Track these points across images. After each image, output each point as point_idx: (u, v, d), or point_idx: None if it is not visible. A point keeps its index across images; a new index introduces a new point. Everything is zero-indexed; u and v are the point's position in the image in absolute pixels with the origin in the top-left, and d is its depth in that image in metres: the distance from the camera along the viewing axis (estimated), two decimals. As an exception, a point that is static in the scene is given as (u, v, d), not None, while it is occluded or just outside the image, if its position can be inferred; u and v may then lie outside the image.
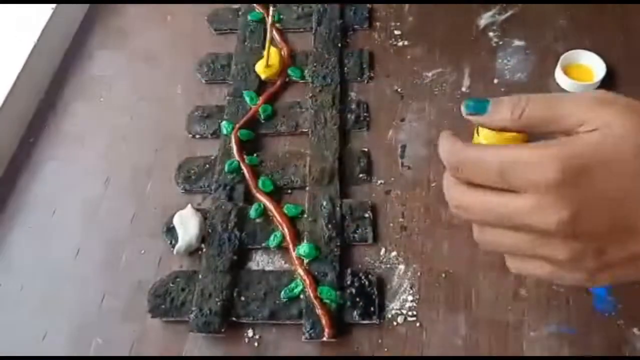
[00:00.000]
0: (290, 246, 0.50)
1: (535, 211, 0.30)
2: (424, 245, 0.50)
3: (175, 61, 0.66)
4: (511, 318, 0.46)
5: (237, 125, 0.58)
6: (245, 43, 0.66)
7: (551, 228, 0.30)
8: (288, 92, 0.62)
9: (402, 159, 0.56)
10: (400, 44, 0.64)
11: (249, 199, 0.54)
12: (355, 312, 0.47)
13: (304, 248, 0.49)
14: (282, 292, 0.48)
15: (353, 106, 0.59)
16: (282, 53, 0.64)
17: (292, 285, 0.48)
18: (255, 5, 0.69)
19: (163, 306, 0.48)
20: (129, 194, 0.56)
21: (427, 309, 0.47)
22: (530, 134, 0.38)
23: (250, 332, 0.47)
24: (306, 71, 0.63)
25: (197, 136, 0.59)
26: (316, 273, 0.49)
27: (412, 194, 0.53)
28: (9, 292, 0.52)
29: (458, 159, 0.34)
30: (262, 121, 0.59)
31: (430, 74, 0.61)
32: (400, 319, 0.46)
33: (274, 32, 0.66)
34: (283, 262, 0.51)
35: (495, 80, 0.60)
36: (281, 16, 0.68)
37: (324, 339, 0.45)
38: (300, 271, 0.49)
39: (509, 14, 0.65)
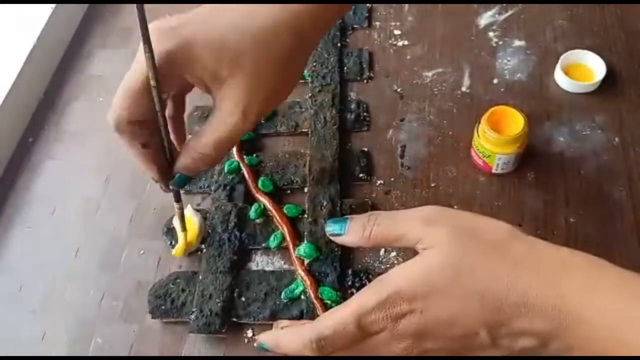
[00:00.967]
0: (291, 246, 0.50)
1: (390, 343, 0.35)
2: None
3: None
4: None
5: (237, 126, 0.58)
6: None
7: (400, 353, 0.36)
8: (288, 92, 0.62)
9: (402, 159, 0.56)
10: (400, 43, 0.64)
11: (249, 199, 0.54)
12: None
13: (304, 248, 0.49)
14: (283, 293, 0.48)
15: (353, 106, 0.59)
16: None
17: (293, 286, 0.48)
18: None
19: (163, 307, 0.48)
20: (128, 194, 0.56)
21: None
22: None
23: (249, 333, 0.47)
24: (305, 71, 0.63)
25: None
26: (317, 273, 0.49)
27: (412, 194, 0.53)
28: (8, 292, 0.52)
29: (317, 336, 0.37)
30: (262, 121, 0.59)
31: (430, 74, 0.61)
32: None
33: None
34: (283, 262, 0.51)
35: (495, 80, 0.60)
36: None
37: None
38: (301, 272, 0.48)
39: (509, 13, 0.65)
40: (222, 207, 0.53)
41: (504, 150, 0.50)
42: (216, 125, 0.40)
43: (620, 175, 0.52)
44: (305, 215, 0.52)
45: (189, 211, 0.52)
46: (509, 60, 0.61)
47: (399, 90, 0.60)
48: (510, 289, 0.33)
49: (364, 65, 0.62)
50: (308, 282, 0.48)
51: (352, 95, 0.61)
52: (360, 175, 0.55)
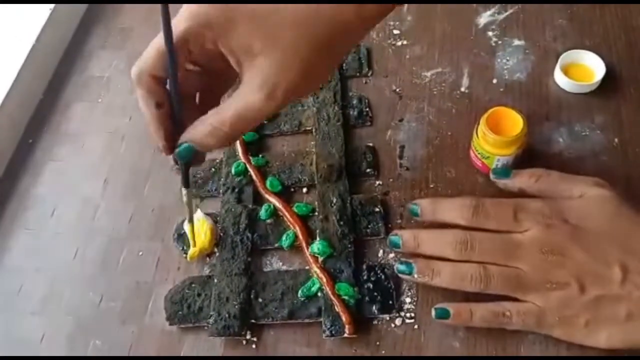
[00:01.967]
0: (304, 245, 0.50)
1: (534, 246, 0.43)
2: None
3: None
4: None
5: (241, 127, 0.58)
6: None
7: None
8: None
9: (401, 159, 0.56)
10: (399, 43, 0.64)
11: (258, 200, 0.54)
12: (374, 307, 0.47)
13: (317, 246, 0.50)
14: (300, 291, 0.48)
15: (355, 102, 0.59)
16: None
17: (309, 284, 0.48)
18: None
19: (180, 312, 0.48)
20: (127, 195, 0.56)
21: (426, 311, 0.46)
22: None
23: (248, 335, 0.47)
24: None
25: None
26: (332, 270, 0.49)
27: (411, 195, 0.53)
28: (8, 292, 0.52)
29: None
30: (265, 122, 0.59)
31: (429, 74, 0.61)
32: (398, 321, 0.46)
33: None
34: (297, 261, 0.51)
35: (495, 80, 0.59)
36: None
37: (345, 335, 0.45)
38: (316, 269, 0.49)
39: (508, 13, 0.65)
40: (232, 210, 0.53)
41: (503, 151, 0.50)
42: (238, 100, 0.38)
43: (620, 176, 0.52)
44: (316, 213, 0.52)
45: (200, 215, 0.52)
46: (508, 60, 0.61)
47: (397, 90, 0.60)
48: None
49: (363, 61, 0.62)
50: (324, 279, 0.48)
51: (353, 90, 0.61)
52: (367, 170, 0.55)
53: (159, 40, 0.38)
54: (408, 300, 0.47)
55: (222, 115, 0.39)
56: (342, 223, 0.51)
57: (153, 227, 0.54)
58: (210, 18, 0.37)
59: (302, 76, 0.38)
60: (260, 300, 0.48)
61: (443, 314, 0.44)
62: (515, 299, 0.43)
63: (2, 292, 0.52)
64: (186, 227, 0.50)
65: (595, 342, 0.42)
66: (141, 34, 0.69)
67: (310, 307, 0.47)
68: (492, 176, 0.51)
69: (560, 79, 0.58)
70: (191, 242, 0.50)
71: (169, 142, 0.41)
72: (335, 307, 0.47)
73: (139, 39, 0.69)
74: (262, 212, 0.53)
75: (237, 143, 0.57)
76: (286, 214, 0.52)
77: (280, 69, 0.37)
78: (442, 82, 0.60)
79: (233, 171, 0.55)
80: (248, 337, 0.47)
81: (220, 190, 0.55)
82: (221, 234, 0.52)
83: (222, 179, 0.56)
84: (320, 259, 0.49)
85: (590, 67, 0.58)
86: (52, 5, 0.68)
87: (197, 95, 0.43)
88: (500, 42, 0.62)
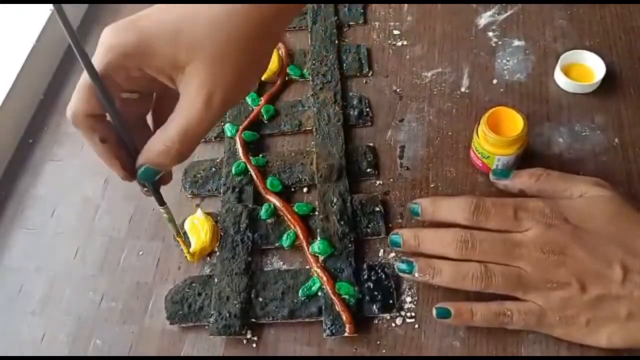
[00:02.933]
0: (304, 244, 0.50)
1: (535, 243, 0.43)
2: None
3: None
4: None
5: (241, 127, 0.58)
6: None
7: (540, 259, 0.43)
8: (289, 91, 0.62)
9: (401, 159, 0.56)
10: (399, 43, 0.64)
11: (259, 200, 0.54)
12: (374, 306, 0.47)
13: (318, 245, 0.50)
14: (300, 291, 0.48)
15: (355, 102, 0.60)
16: (280, 52, 0.63)
17: (310, 283, 0.48)
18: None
19: (181, 312, 0.48)
20: (127, 195, 0.56)
21: (426, 311, 0.47)
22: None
23: (248, 334, 0.47)
24: (305, 69, 0.63)
25: (201, 140, 0.59)
26: (332, 270, 0.49)
27: (411, 195, 0.53)
28: (8, 292, 0.52)
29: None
30: (265, 122, 0.59)
31: (429, 74, 0.61)
32: (398, 321, 0.46)
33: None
34: (298, 260, 0.51)
35: (495, 81, 0.60)
36: None
37: (345, 334, 0.45)
38: (317, 269, 0.49)
39: (508, 13, 0.65)
40: (233, 209, 0.53)
41: (503, 151, 0.50)
42: (180, 115, 0.38)
43: (620, 176, 0.52)
44: (317, 213, 0.52)
45: (200, 215, 0.52)
46: (508, 61, 0.61)
47: (398, 90, 0.60)
48: None
49: (363, 61, 0.62)
50: (324, 279, 0.48)
51: (353, 91, 0.61)
52: (368, 170, 0.55)
53: (84, 80, 0.37)
54: (408, 299, 0.47)
55: (169, 133, 0.38)
56: (342, 223, 0.51)
57: (153, 227, 0.54)
58: (127, 48, 0.37)
59: (235, 80, 0.38)
60: (260, 299, 0.48)
61: (444, 314, 0.44)
62: (516, 299, 0.43)
63: (2, 292, 0.52)
64: (187, 228, 0.50)
65: (596, 342, 0.42)
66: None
67: (311, 307, 0.48)
68: (492, 177, 0.51)
69: (560, 79, 0.58)
70: (185, 251, 0.49)
71: (127, 169, 0.41)
72: (336, 307, 0.47)
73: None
74: (263, 212, 0.53)
75: (238, 143, 0.57)
76: (287, 213, 0.52)
77: (210, 77, 0.37)
78: (443, 82, 0.60)
79: (233, 171, 0.55)
80: (249, 336, 0.47)
81: (221, 190, 0.55)
82: (222, 234, 0.52)
83: (222, 179, 0.56)
84: (321, 258, 0.49)
85: (591, 67, 0.58)
86: (52, 6, 0.67)
87: (150, 115, 0.43)
88: (500, 42, 0.62)
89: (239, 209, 0.53)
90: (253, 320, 0.48)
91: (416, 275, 0.45)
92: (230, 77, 0.38)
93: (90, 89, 0.37)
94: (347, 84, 0.62)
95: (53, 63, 0.68)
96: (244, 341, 0.47)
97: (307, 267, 0.50)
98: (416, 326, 0.46)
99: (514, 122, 0.50)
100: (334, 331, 0.46)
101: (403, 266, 0.46)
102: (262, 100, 0.60)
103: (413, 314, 0.47)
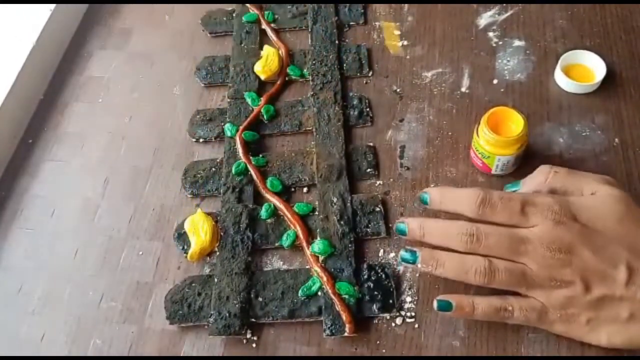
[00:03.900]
0: (304, 244, 0.50)
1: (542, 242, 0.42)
2: (423, 246, 0.50)
3: (174, 61, 0.66)
4: (510, 319, 0.46)
5: (241, 127, 0.58)
6: (242, 45, 0.66)
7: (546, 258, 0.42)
8: (289, 91, 0.62)
9: (401, 159, 0.56)
10: (399, 44, 0.64)
11: (259, 200, 0.54)
12: (374, 306, 0.47)
13: (318, 245, 0.50)
14: (300, 291, 0.48)
15: (355, 102, 0.60)
16: (280, 53, 0.63)
17: (310, 283, 0.48)
18: (248, 6, 0.68)
19: (181, 312, 0.48)
20: (127, 195, 0.56)
21: (426, 311, 0.47)
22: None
23: (248, 334, 0.47)
24: (305, 69, 0.63)
25: (201, 140, 0.59)
26: (332, 269, 0.49)
27: (411, 194, 0.53)
28: (8, 292, 0.52)
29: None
30: (266, 122, 0.59)
31: (429, 74, 0.61)
32: (398, 321, 0.46)
33: (271, 31, 0.66)
34: (298, 260, 0.51)
35: (495, 81, 0.60)
36: (275, 16, 0.68)
37: (345, 334, 0.45)
38: (317, 268, 0.49)
39: (508, 14, 0.65)
40: (233, 209, 0.53)
41: (503, 151, 0.50)
42: None
43: (620, 176, 0.52)
44: (317, 213, 0.52)
45: (200, 215, 0.52)
46: (508, 61, 0.61)
47: (398, 90, 0.60)
48: None
49: (363, 62, 0.62)
50: (324, 279, 0.48)
51: (354, 91, 0.61)
52: (368, 170, 0.55)
53: None
54: (408, 299, 0.47)
55: None
56: (342, 222, 0.51)
57: (153, 227, 0.54)
58: None
59: None
60: (260, 299, 0.48)
61: (445, 306, 0.44)
62: (517, 293, 0.43)
63: (2, 292, 0.52)
64: (187, 227, 0.50)
65: (596, 340, 0.42)
66: (141, 34, 0.69)
67: (311, 306, 0.47)
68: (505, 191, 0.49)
69: (560, 79, 0.58)
70: (192, 244, 0.49)
71: None
72: (336, 306, 0.47)
73: (139, 39, 0.69)
74: (263, 212, 0.53)
75: (238, 143, 0.57)
76: (287, 213, 0.52)
77: None
78: (443, 82, 0.60)
79: (233, 171, 0.55)
80: (248, 336, 0.47)
81: (221, 190, 0.55)
82: (222, 234, 0.52)
83: (222, 179, 0.56)
84: (321, 258, 0.49)
85: (591, 67, 0.58)
86: (52, 6, 0.68)
87: None
88: (500, 42, 0.62)
89: (239, 209, 0.53)
90: (253, 320, 0.47)
91: (419, 265, 0.45)
92: None
93: None
94: (347, 84, 0.62)
95: (53, 63, 0.67)
96: (244, 341, 0.47)
97: (307, 267, 0.50)
98: (416, 326, 0.46)
99: (514, 122, 0.50)
100: (333, 331, 0.46)
101: (407, 255, 0.45)
102: (262, 100, 0.60)
103: (413, 314, 0.47)
